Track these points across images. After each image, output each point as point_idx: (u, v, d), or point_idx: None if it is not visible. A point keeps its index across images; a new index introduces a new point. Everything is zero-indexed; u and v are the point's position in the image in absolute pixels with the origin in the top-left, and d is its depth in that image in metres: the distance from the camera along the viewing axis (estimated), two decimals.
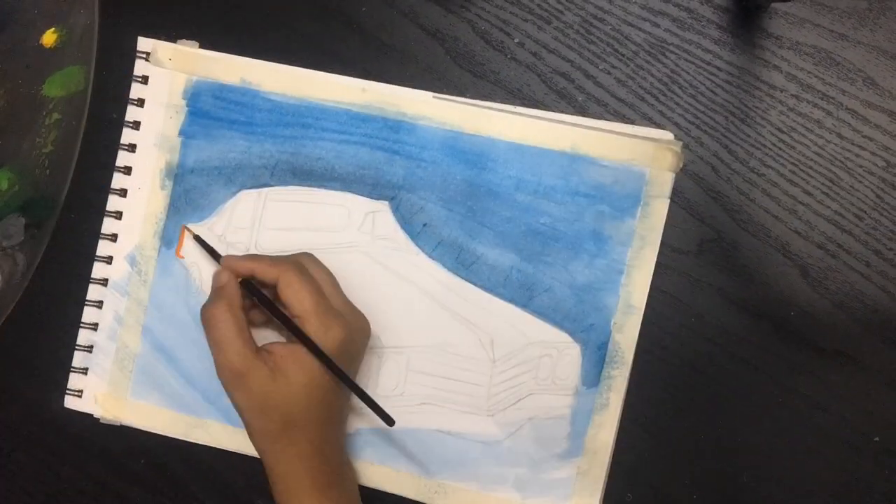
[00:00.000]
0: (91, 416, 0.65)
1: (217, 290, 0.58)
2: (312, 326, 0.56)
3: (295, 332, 0.56)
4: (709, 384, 0.61)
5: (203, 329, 0.57)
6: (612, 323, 0.61)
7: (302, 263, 0.59)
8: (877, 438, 0.60)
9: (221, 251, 0.63)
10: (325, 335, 0.56)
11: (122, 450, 0.66)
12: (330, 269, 0.62)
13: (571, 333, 0.61)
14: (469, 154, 0.62)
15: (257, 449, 0.58)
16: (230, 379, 0.56)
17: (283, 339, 0.61)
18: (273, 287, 0.58)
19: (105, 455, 0.66)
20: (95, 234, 0.65)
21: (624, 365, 0.60)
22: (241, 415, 0.58)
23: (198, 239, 0.63)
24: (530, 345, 0.61)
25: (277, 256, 0.60)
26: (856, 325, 0.59)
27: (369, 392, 0.58)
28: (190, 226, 0.64)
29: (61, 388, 0.66)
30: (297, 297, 0.56)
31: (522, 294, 0.62)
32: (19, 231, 0.65)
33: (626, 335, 0.60)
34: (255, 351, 0.56)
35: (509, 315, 0.62)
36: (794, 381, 0.60)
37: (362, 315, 0.60)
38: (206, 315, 0.57)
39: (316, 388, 0.56)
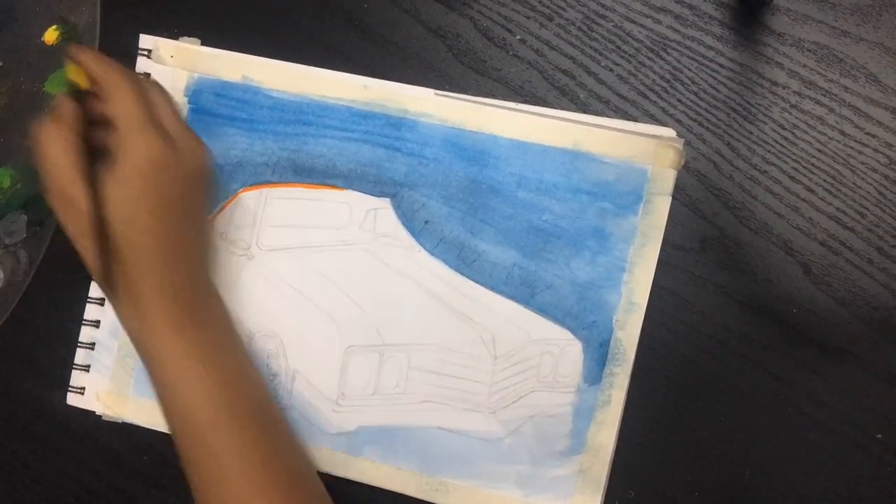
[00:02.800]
0: (93, 412, 0.67)
1: (54, 110, 0.57)
2: (130, 135, 0.55)
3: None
4: (711, 381, 0.62)
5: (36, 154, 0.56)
6: (614, 320, 0.62)
7: (141, 79, 0.58)
8: (879, 436, 0.61)
9: (222, 248, 0.65)
10: (141, 147, 0.55)
11: (125, 446, 0.68)
12: (331, 266, 0.64)
13: (573, 331, 0.63)
14: (471, 151, 0.64)
15: (106, 296, 0.57)
16: (57, 199, 0.55)
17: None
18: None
19: (108, 451, 0.68)
20: None
21: (626, 362, 0.62)
22: (74, 245, 0.56)
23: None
24: (532, 342, 0.63)
25: (118, 66, 0.58)
26: (858, 322, 0.61)
27: (372, 390, 0.60)
28: None
29: (64, 385, 0.68)
30: (121, 104, 0.55)
31: (524, 291, 0.63)
32: (21, 228, 0.67)
33: (627, 332, 0.62)
34: (85, 167, 0.55)
35: (511, 312, 0.63)
36: (796, 379, 0.62)
37: (199, 142, 0.59)
38: (36, 132, 0.56)
39: (143, 198, 0.55)
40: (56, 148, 0.55)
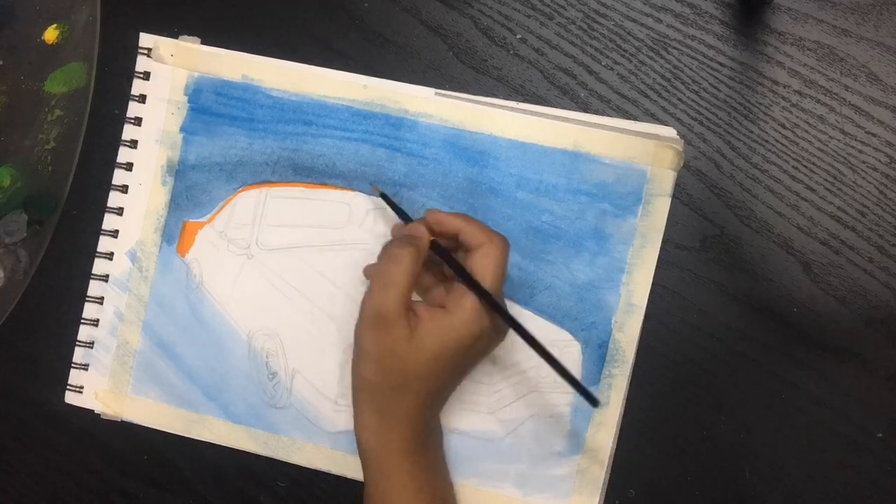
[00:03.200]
0: (93, 412, 0.68)
1: (409, 237, 0.58)
2: (478, 305, 0.56)
3: (479, 290, 0.56)
4: (711, 380, 0.63)
5: (378, 261, 0.58)
6: (612, 321, 0.63)
7: (507, 245, 0.58)
8: (880, 435, 0.61)
9: (222, 248, 0.65)
10: (479, 323, 0.56)
11: (125, 445, 0.68)
12: (331, 265, 0.65)
13: (572, 331, 0.63)
14: (470, 151, 0.64)
15: (354, 397, 0.58)
16: (373, 319, 0.56)
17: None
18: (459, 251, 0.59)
19: (108, 451, 0.68)
20: (97, 231, 0.68)
21: (624, 363, 0.62)
22: (357, 356, 0.58)
23: (385, 198, 0.63)
24: None
25: (484, 225, 0.59)
26: (859, 321, 0.61)
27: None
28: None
29: (63, 384, 0.68)
30: (486, 271, 0.56)
31: (523, 292, 0.64)
32: (22, 227, 0.67)
33: (626, 334, 0.62)
34: (409, 307, 0.56)
35: (511, 313, 0.63)
36: (797, 378, 0.62)
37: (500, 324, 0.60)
38: (390, 250, 0.57)
39: (446, 361, 0.56)
40: (401, 269, 0.56)
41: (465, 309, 0.55)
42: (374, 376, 0.57)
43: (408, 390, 0.56)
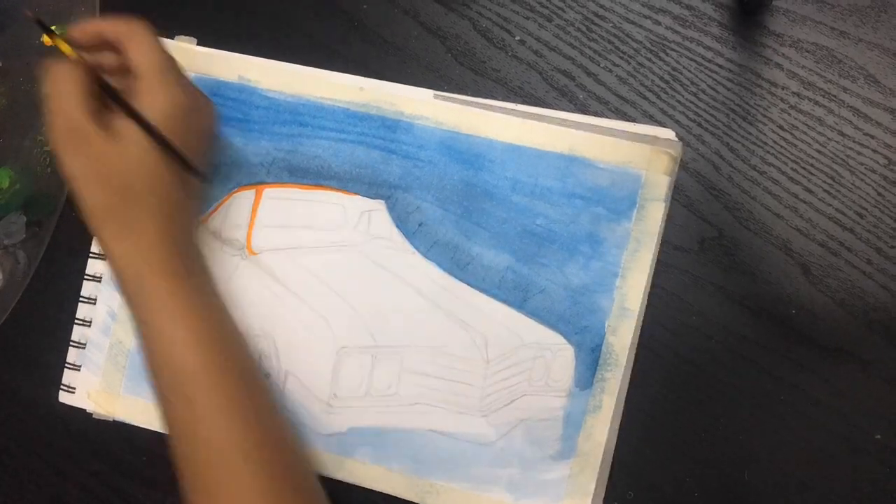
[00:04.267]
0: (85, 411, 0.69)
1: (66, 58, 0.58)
2: (155, 81, 0.56)
3: (118, 100, 0.56)
4: (710, 382, 0.63)
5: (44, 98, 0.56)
6: (606, 325, 0.63)
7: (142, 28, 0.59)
8: (878, 436, 0.61)
9: (216, 248, 0.66)
10: (167, 93, 0.56)
11: (123, 446, 0.69)
12: (325, 267, 0.66)
13: (565, 335, 0.64)
14: (466, 154, 0.65)
15: (94, 231, 0.57)
16: (64, 138, 0.55)
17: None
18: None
19: (106, 451, 0.69)
20: None
21: (617, 367, 0.63)
22: (73, 186, 0.56)
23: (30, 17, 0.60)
24: (524, 346, 0.64)
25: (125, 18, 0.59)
26: (857, 322, 0.61)
27: (364, 392, 0.60)
28: None
29: (57, 384, 0.69)
30: (145, 52, 0.56)
31: (517, 295, 0.64)
32: (21, 229, 0.68)
33: (620, 337, 0.63)
34: (95, 109, 0.55)
35: (504, 316, 0.64)
36: (796, 379, 0.62)
37: (208, 98, 0.61)
38: (47, 69, 0.56)
39: (159, 158, 0.56)
40: (67, 85, 0.55)
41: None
42: (99, 195, 0.55)
43: (138, 197, 0.56)
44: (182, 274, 0.57)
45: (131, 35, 0.57)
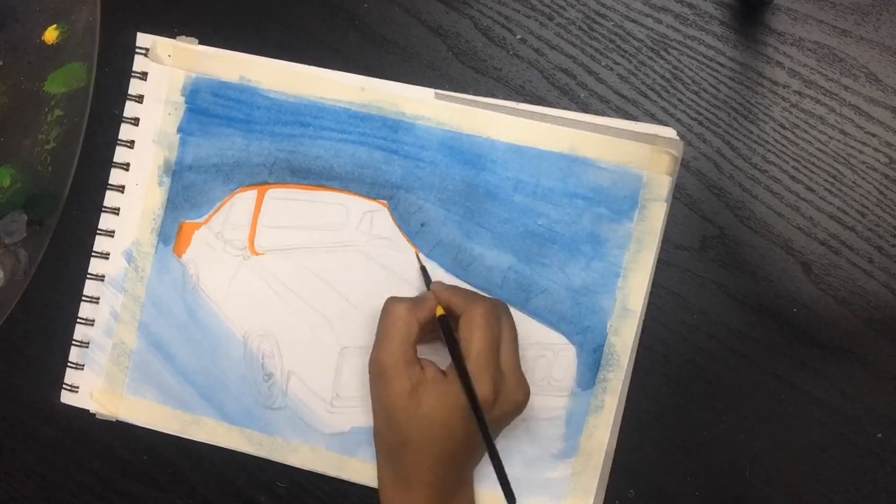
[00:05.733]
0: (91, 411, 0.70)
1: (415, 298, 0.62)
2: (470, 369, 0.58)
3: (461, 371, 0.58)
4: (711, 380, 0.64)
5: (380, 317, 0.61)
6: (608, 325, 0.64)
7: (497, 308, 0.61)
8: (879, 435, 0.63)
9: (218, 248, 0.67)
10: (476, 384, 0.57)
11: (124, 445, 0.70)
12: (327, 267, 0.67)
13: (567, 335, 0.65)
14: (468, 154, 0.66)
15: (378, 457, 0.63)
16: (375, 374, 0.60)
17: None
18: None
19: (108, 451, 0.70)
20: (96, 231, 0.70)
21: (619, 367, 0.64)
22: (372, 408, 0.62)
23: (423, 271, 0.66)
24: (526, 346, 0.64)
25: (477, 294, 0.63)
26: (859, 321, 0.63)
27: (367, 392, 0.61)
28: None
29: (59, 384, 0.70)
30: (471, 336, 0.58)
31: (519, 295, 0.65)
32: (21, 228, 0.69)
33: (621, 338, 0.64)
34: (410, 361, 0.59)
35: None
36: (797, 378, 0.63)
37: (526, 387, 0.61)
38: (388, 305, 0.61)
39: (444, 427, 0.58)
40: (399, 324, 0.59)
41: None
42: (382, 428, 0.61)
43: (415, 448, 0.59)
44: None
45: (467, 313, 0.59)
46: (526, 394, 0.60)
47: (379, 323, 0.61)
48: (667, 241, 0.64)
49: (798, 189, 0.63)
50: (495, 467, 0.56)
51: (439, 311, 0.61)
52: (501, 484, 0.56)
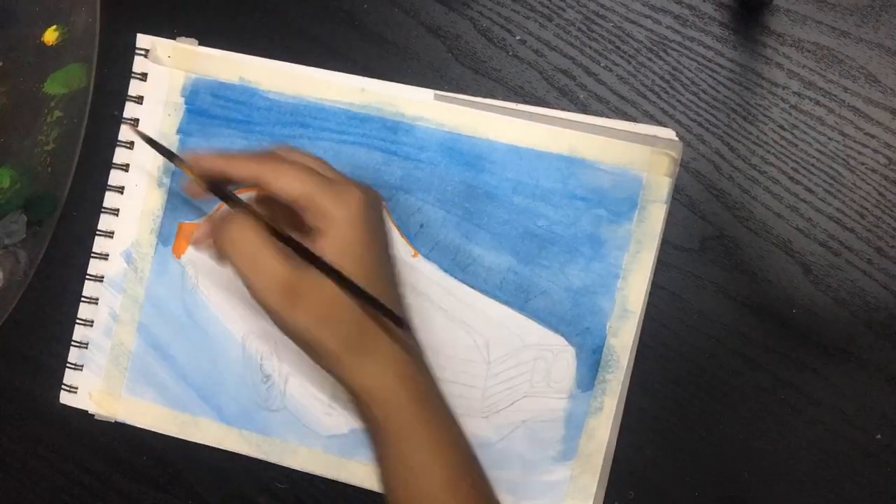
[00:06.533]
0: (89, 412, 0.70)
1: (225, 214, 0.57)
2: (327, 200, 0.55)
3: (280, 237, 0.55)
4: (710, 381, 0.65)
5: (228, 259, 0.56)
6: (607, 327, 0.65)
7: (281, 154, 0.58)
8: (879, 436, 0.63)
9: None
10: (345, 202, 0.55)
11: (124, 446, 0.71)
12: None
13: (567, 336, 0.65)
14: (467, 156, 0.66)
15: (334, 371, 0.57)
16: (280, 297, 0.54)
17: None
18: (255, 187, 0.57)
19: (107, 452, 0.71)
20: (96, 232, 0.70)
21: (619, 369, 0.64)
22: (303, 337, 0.56)
23: (148, 140, 0.62)
24: (525, 347, 0.65)
25: (250, 151, 0.59)
26: (858, 322, 0.63)
27: None
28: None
29: (58, 384, 0.71)
30: (293, 182, 0.55)
31: (518, 296, 0.66)
32: (21, 229, 0.70)
33: (621, 339, 0.64)
34: (291, 256, 0.54)
35: (505, 317, 0.66)
36: (796, 379, 0.64)
37: (353, 182, 0.58)
38: (225, 239, 0.55)
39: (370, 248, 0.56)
40: (253, 241, 0.55)
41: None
42: (336, 337, 0.55)
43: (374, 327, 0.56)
44: (427, 396, 0.58)
45: (267, 173, 0.56)
46: (369, 187, 0.59)
47: (233, 263, 0.55)
48: (666, 242, 0.64)
49: (797, 190, 0.64)
50: (365, 302, 0.54)
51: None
52: (383, 313, 0.55)
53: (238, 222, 0.56)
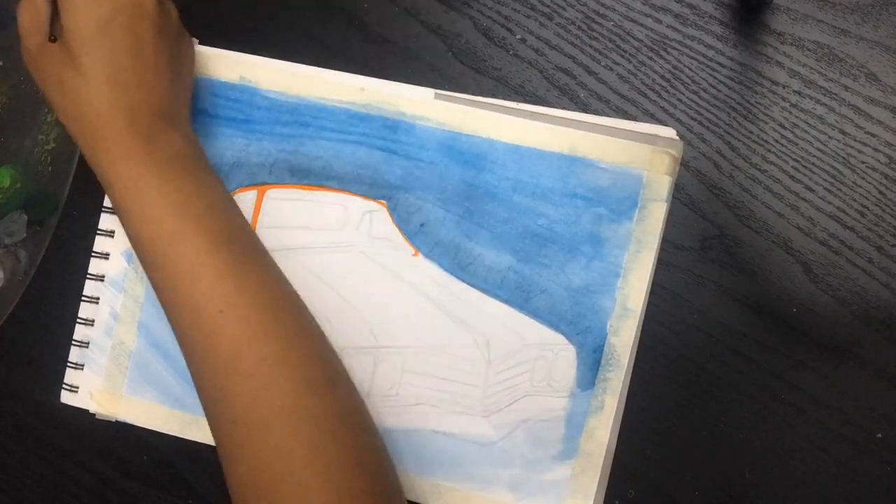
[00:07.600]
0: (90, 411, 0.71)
1: None
2: None
3: None
4: (711, 380, 0.65)
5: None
6: (608, 326, 0.65)
7: None
8: (879, 435, 0.63)
9: None
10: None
11: (124, 445, 0.71)
12: (326, 268, 0.67)
13: (567, 336, 0.65)
14: (467, 155, 0.67)
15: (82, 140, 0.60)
16: (28, 66, 0.61)
17: None
18: None
19: (108, 451, 0.71)
20: (96, 231, 0.71)
21: (619, 368, 0.65)
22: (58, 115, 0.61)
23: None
24: (526, 346, 0.66)
25: None
26: (858, 321, 0.63)
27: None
28: None
29: (58, 384, 0.71)
30: None
31: (519, 295, 0.66)
32: (21, 228, 0.70)
33: (621, 338, 0.65)
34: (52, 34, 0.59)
35: (505, 316, 0.66)
36: (797, 378, 0.64)
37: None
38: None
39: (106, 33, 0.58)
40: (31, 9, 0.59)
41: None
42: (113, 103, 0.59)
43: (88, 68, 0.58)
44: (137, 151, 0.59)
45: None
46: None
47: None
48: (666, 241, 0.65)
49: (798, 189, 0.64)
50: None
51: None
52: None
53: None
